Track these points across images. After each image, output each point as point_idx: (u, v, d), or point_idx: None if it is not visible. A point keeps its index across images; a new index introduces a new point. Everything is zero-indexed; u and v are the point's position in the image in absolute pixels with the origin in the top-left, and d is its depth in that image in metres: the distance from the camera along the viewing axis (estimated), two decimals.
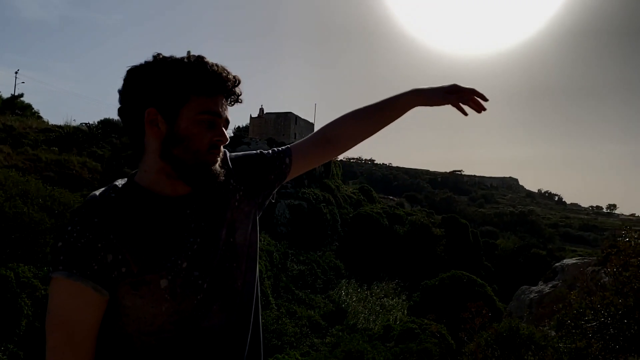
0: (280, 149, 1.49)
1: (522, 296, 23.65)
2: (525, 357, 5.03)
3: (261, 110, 58.02)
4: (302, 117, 53.57)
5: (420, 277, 30.65)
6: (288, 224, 33.88)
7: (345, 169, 62.15)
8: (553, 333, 6.00)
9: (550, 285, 22.15)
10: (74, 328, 1.06)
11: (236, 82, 1.20)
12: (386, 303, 29.85)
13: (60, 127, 30.70)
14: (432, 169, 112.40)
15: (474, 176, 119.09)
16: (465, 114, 1.50)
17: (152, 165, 1.18)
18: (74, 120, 45.12)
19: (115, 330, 1.12)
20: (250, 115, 58.37)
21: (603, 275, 10.81)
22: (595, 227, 77.96)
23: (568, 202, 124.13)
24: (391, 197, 63.77)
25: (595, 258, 15.01)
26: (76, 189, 20.94)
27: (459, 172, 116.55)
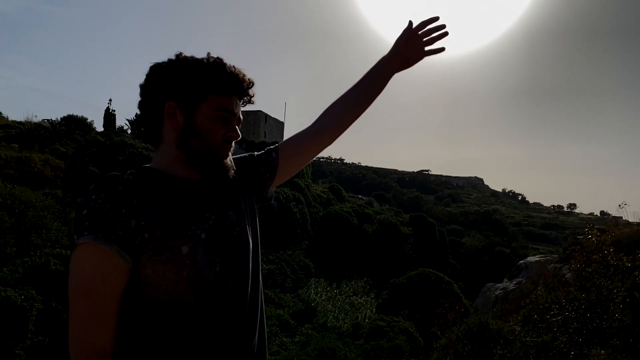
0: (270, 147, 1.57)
1: (488, 293, 24.20)
2: (495, 351, 5.18)
3: None
4: (272, 116, 53.26)
5: (389, 275, 30.98)
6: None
7: (315, 168, 62.20)
8: (519, 328, 6.19)
9: (514, 282, 22.76)
10: (99, 295, 1.07)
11: (250, 84, 1.30)
12: (355, 301, 30.06)
13: (20, 123, 29.60)
14: (400, 168, 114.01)
15: (441, 176, 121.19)
16: (442, 49, 1.54)
17: (169, 153, 1.27)
18: (35, 116, 43.65)
19: (135, 302, 1.14)
20: None
21: (565, 272, 11.19)
22: (557, 225, 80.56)
23: (531, 201, 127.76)
24: (360, 196, 64.25)
25: (557, 256, 15.52)
26: (38, 187, 20.25)
27: (427, 172, 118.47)
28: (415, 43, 1.53)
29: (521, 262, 25.87)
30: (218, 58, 1.25)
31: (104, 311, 1.09)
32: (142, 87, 1.25)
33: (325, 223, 38.18)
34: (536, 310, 5.40)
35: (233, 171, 1.32)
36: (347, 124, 1.56)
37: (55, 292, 12.85)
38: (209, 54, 1.26)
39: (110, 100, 53.42)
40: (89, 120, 33.59)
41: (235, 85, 1.26)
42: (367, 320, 23.70)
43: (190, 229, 1.17)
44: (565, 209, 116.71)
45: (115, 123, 42.40)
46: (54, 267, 13.44)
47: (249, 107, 1.37)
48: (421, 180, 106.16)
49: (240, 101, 1.31)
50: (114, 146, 31.29)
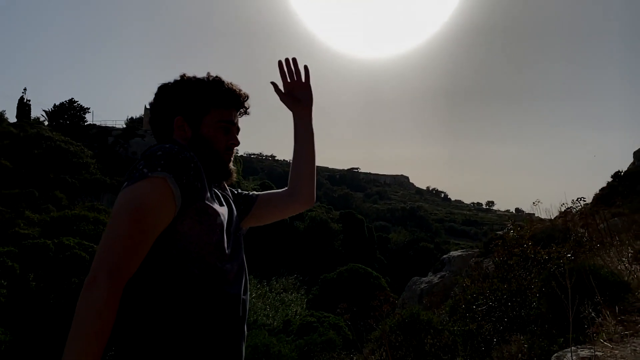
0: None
1: (414, 287, 25.19)
2: (425, 340, 5.46)
3: None
4: None
5: (319, 271, 31.38)
6: None
7: (245, 165, 61.52)
8: (447, 318, 6.55)
9: (438, 275, 23.88)
10: (151, 225, 1.18)
11: (246, 97, 1.50)
12: (286, 298, 30.17)
13: None
14: (331, 166, 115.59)
15: (370, 174, 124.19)
16: (306, 68, 1.71)
17: None
18: None
19: (164, 253, 1.23)
20: (146, 106, 55.49)
21: (486, 265, 11.90)
22: (476, 222, 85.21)
23: (453, 198, 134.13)
24: None
25: (477, 250, 16.46)
26: None
27: (356, 170, 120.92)
28: (292, 88, 1.71)
29: (444, 256, 27.17)
30: (217, 76, 1.45)
31: (147, 241, 1.17)
32: (153, 105, 1.46)
33: None
34: (463, 301, 5.74)
35: (235, 175, 1.51)
36: (309, 177, 1.73)
37: None
38: (208, 73, 1.46)
39: (25, 89, 49.59)
40: None
41: (233, 99, 1.46)
42: (297, 316, 23.86)
43: (221, 208, 1.37)
44: (484, 206, 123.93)
45: (30, 114, 39.58)
46: None
47: None
48: (351, 178, 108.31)
49: (237, 112, 1.50)
50: (29, 139, 29.24)
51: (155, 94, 1.45)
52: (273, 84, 1.69)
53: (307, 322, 18.45)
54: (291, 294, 31.35)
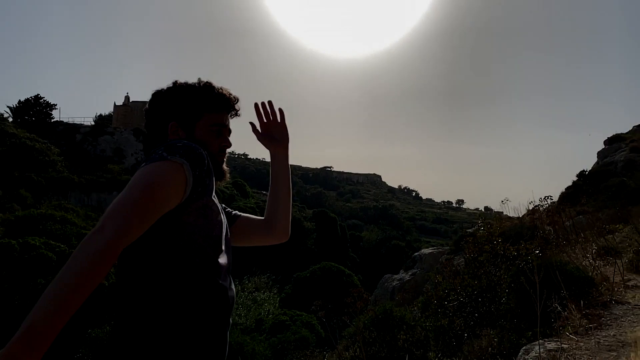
0: None
1: (386, 284, 25.50)
2: (399, 336, 5.55)
3: (127, 98, 54.02)
4: None
5: (292, 270, 31.39)
6: None
7: None
8: (419, 314, 6.66)
9: (410, 273, 24.25)
10: (160, 201, 1.25)
11: (236, 100, 1.58)
12: (258, 297, 30.02)
13: None
14: (304, 164, 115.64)
15: (343, 172, 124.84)
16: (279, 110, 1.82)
17: None
18: None
19: (170, 241, 1.32)
20: (115, 103, 54.26)
21: (456, 262, 12.12)
22: (446, 220, 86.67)
23: (424, 197, 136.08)
24: (265, 192, 63.95)
25: (448, 248, 16.79)
26: None
27: (329, 169, 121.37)
28: (268, 128, 1.81)
29: (416, 254, 27.59)
30: (207, 82, 1.53)
31: (153, 215, 1.24)
32: (148, 110, 1.54)
33: None
34: (435, 297, 5.85)
35: (228, 175, 1.58)
36: (285, 213, 1.80)
37: None
38: (199, 79, 1.54)
39: None
40: None
41: (224, 103, 1.55)
42: (270, 315, 23.80)
43: (221, 208, 1.50)
44: (454, 205, 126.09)
45: None
46: None
47: (146, 97, 1.58)
48: (324, 177, 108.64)
49: (228, 115, 1.59)
50: None
51: (150, 101, 1.54)
52: (251, 124, 1.80)
53: (280, 321, 18.43)
54: (264, 293, 31.20)
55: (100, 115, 55.61)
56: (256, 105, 1.79)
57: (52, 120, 46.98)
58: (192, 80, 1.55)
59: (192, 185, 1.31)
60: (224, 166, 1.57)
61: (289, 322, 18.38)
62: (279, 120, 1.79)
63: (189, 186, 1.30)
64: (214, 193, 1.42)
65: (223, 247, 1.44)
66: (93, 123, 51.17)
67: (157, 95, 1.53)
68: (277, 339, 13.32)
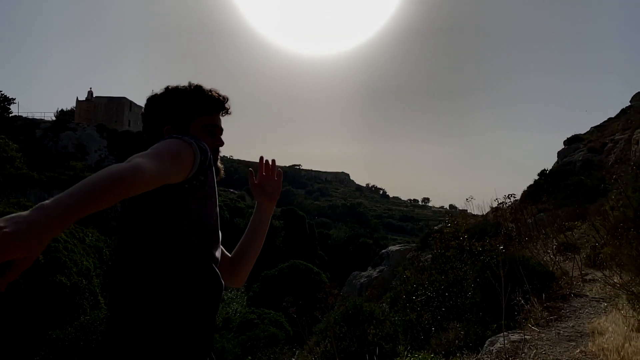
0: None
1: (354, 281, 25.80)
2: (369, 330, 5.64)
3: (90, 93, 52.56)
4: (138, 104, 50.13)
5: (260, 268, 31.21)
6: (120, 218, 31.56)
7: None
8: (388, 309, 6.77)
9: (377, 270, 24.62)
10: (181, 162, 1.33)
11: (226, 100, 1.66)
12: (225, 296, 29.76)
13: None
14: None
15: (311, 170, 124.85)
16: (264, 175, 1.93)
17: None
18: None
19: (175, 224, 1.39)
20: (77, 98, 52.66)
21: (423, 258, 12.34)
22: (413, 217, 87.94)
23: (391, 195, 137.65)
24: (232, 190, 63.48)
25: (415, 244, 17.06)
26: None
27: (298, 167, 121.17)
28: (264, 180, 1.90)
29: (383, 251, 28.00)
30: (198, 85, 1.61)
31: (173, 175, 1.31)
32: (144, 115, 1.64)
33: None
34: (404, 292, 5.97)
35: (223, 172, 1.66)
36: (249, 263, 1.86)
37: None
38: (190, 82, 1.62)
39: None
40: None
41: (215, 104, 1.62)
42: (237, 314, 23.63)
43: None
44: (420, 203, 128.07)
45: None
46: None
47: (113, 93, 1.60)
48: (293, 175, 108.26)
49: (220, 114, 1.66)
50: None
51: (145, 106, 1.64)
52: (250, 171, 1.91)
53: (248, 319, 18.33)
54: (231, 291, 30.97)
55: (62, 110, 53.92)
56: (261, 158, 1.91)
57: (10, 115, 45.25)
58: (183, 83, 1.62)
59: (198, 167, 1.38)
60: (219, 163, 1.65)
61: (257, 321, 18.31)
62: (275, 178, 1.90)
63: (195, 165, 1.37)
64: (214, 185, 1.49)
65: (216, 239, 1.52)
66: (54, 118, 49.55)
67: (151, 100, 1.62)
68: (246, 336, 13.26)
